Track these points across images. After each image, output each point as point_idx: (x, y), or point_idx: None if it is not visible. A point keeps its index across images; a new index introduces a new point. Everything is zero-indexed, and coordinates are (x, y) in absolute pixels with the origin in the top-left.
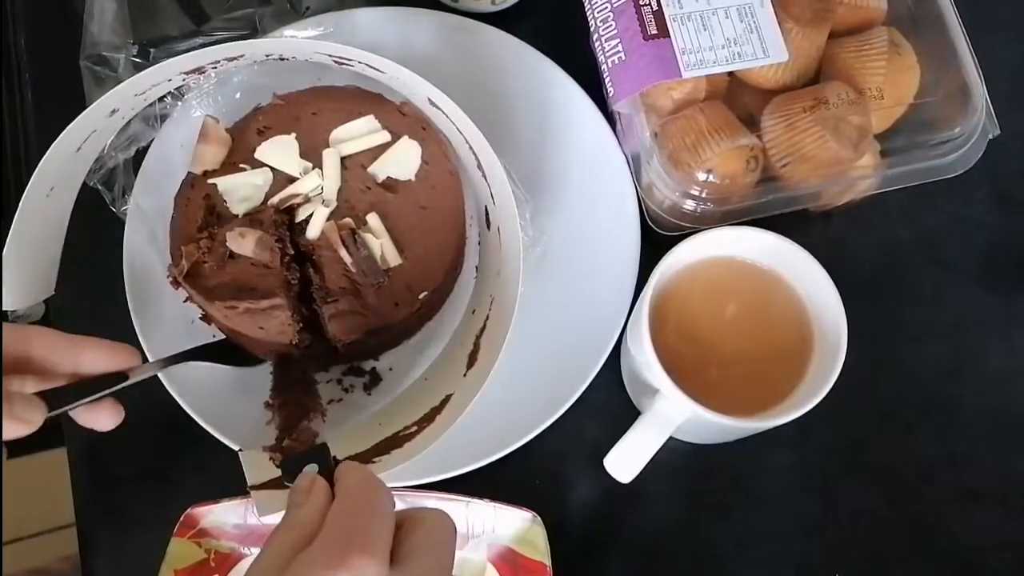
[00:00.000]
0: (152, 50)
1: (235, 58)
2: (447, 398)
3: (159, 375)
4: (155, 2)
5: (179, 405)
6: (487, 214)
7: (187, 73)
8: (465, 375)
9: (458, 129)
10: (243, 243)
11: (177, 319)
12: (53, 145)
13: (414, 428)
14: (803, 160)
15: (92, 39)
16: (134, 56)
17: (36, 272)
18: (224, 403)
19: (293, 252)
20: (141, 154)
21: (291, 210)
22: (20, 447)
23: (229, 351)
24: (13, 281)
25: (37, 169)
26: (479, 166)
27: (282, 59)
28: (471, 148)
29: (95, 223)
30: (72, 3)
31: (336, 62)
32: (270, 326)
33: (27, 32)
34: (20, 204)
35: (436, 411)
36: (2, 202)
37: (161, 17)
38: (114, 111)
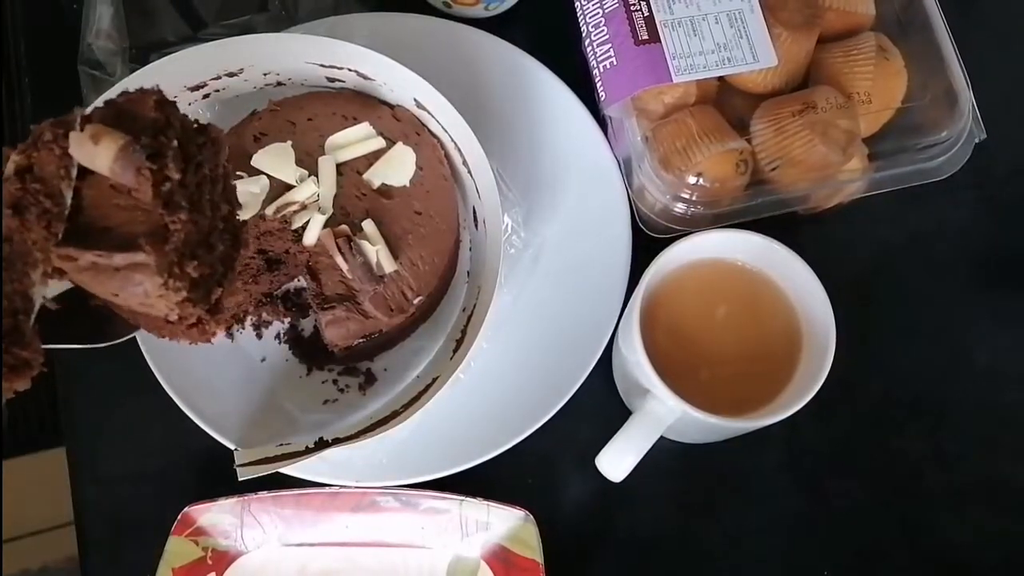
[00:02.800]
0: (150, 55)
1: (235, 73)
2: (433, 380)
3: (158, 376)
4: (152, 8)
5: (177, 404)
6: (475, 213)
7: (191, 89)
8: (451, 359)
9: (444, 128)
10: (96, 153)
11: None
12: None
13: (401, 408)
14: (792, 163)
15: (89, 44)
16: (131, 61)
17: None
18: (221, 402)
19: (179, 178)
20: None
21: (287, 218)
22: (20, 447)
23: (80, 314)
24: None
25: None
26: (464, 162)
27: (280, 84)
28: (457, 146)
29: None
30: (70, 9)
31: (329, 80)
32: (127, 294)
33: (26, 37)
34: None
35: (422, 393)
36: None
37: (158, 22)
38: None
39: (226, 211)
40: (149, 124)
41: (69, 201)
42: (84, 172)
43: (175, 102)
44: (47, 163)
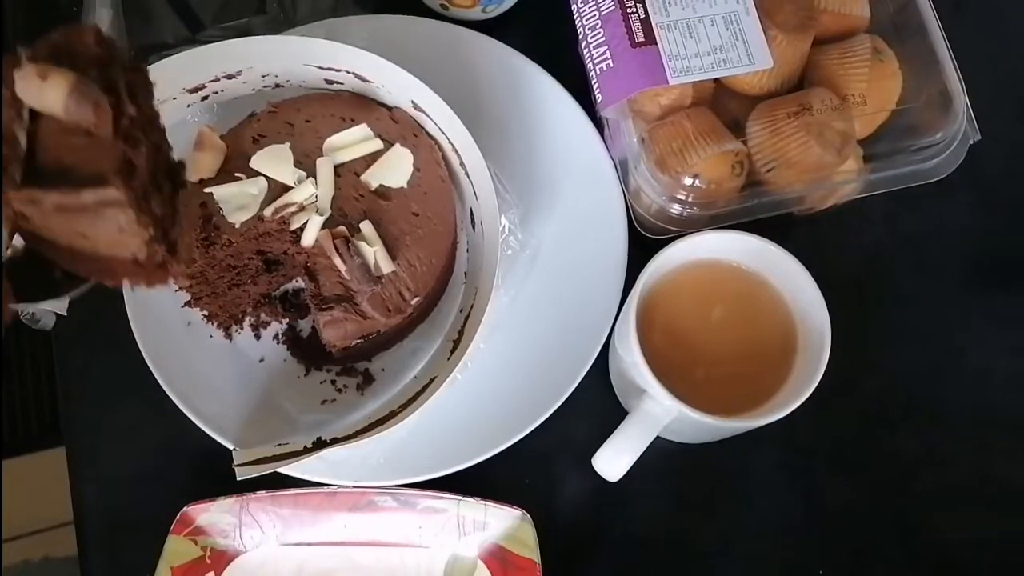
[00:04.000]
0: (149, 57)
1: (233, 75)
2: (431, 381)
3: (157, 376)
4: (151, 10)
5: (176, 405)
6: (472, 214)
7: (189, 91)
8: (449, 359)
9: (442, 130)
10: (45, 91)
11: (174, 321)
12: None
13: (399, 409)
14: (788, 165)
15: None
16: None
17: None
18: (220, 403)
19: (135, 113)
20: None
21: (285, 219)
22: (20, 447)
23: (32, 267)
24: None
25: None
26: (462, 164)
27: (278, 86)
28: (454, 148)
29: None
30: (70, 11)
31: (327, 82)
32: (98, 233)
33: (26, 40)
34: None
35: (420, 393)
36: (1, 208)
37: (157, 25)
38: None
39: (164, 151)
40: (93, 59)
41: (24, 144)
42: (34, 114)
43: (113, 38)
44: None
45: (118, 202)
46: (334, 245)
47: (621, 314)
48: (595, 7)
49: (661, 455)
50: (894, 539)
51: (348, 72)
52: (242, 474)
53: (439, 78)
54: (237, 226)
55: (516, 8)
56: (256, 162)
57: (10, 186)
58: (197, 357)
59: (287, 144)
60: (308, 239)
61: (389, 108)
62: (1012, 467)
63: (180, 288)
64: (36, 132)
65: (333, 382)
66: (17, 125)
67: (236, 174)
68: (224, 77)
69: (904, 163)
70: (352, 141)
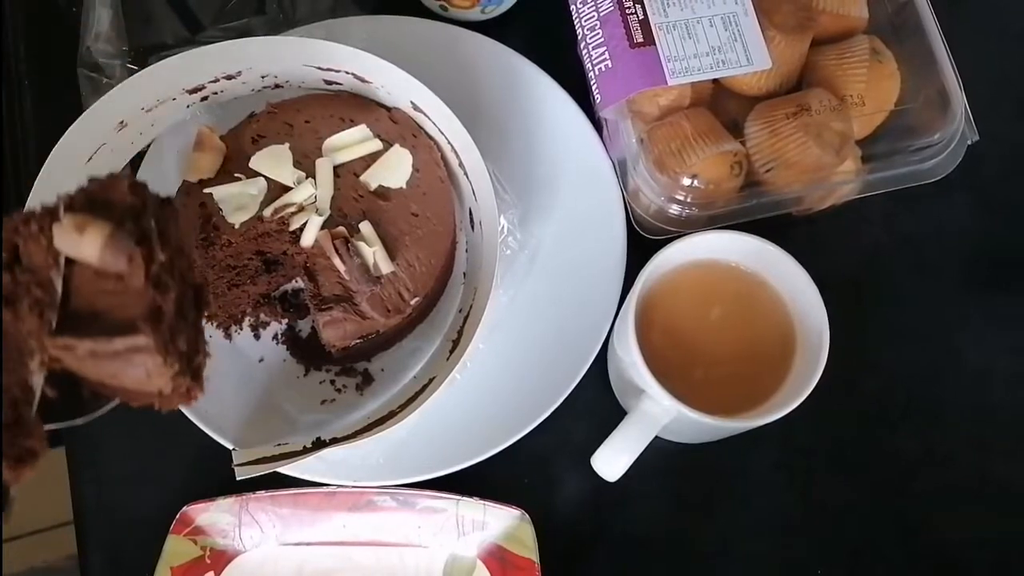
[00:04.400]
0: (148, 58)
1: (233, 76)
2: (430, 381)
3: None
4: (151, 11)
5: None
6: (471, 214)
7: (189, 92)
8: (448, 359)
9: (441, 130)
10: (82, 243)
11: None
12: (56, 146)
13: (398, 409)
14: (786, 165)
15: (88, 47)
16: (130, 63)
17: None
18: (219, 403)
19: (165, 258)
20: (137, 160)
21: (285, 219)
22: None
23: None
24: None
25: (40, 172)
26: (461, 164)
27: (277, 86)
28: (453, 148)
29: None
30: (70, 12)
31: (327, 83)
32: (127, 376)
33: (26, 40)
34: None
35: (419, 393)
36: (1, 207)
37: (157, 25)
38: (122, 123)
39: (190, 279)
40: (128, 209)
41: (60, 289)
42: (68, 259)
43: (145, 183)
44: (35, 253)
45: (147, 348)
46: (333, 245)
47: (620, 314)
48: (594, 8)
49: (660, 455)
50: (894, 539)
51: (347, 73)
52: (242, 474)
53: (438, 79)
54: (237, 226)
55: (515, 9)
56: (256, 162)
57: (46, 333)
58: None
59: (286, 145)
60: (307, 239)
61: (388, 109)
62: (1012, 467)
63: None
64: (70, 276)
65: (332, 382)
66: (54, 273)
67: (236, 174)
68: (224, 78)
69: (902, 163)
70: (351, 142)
